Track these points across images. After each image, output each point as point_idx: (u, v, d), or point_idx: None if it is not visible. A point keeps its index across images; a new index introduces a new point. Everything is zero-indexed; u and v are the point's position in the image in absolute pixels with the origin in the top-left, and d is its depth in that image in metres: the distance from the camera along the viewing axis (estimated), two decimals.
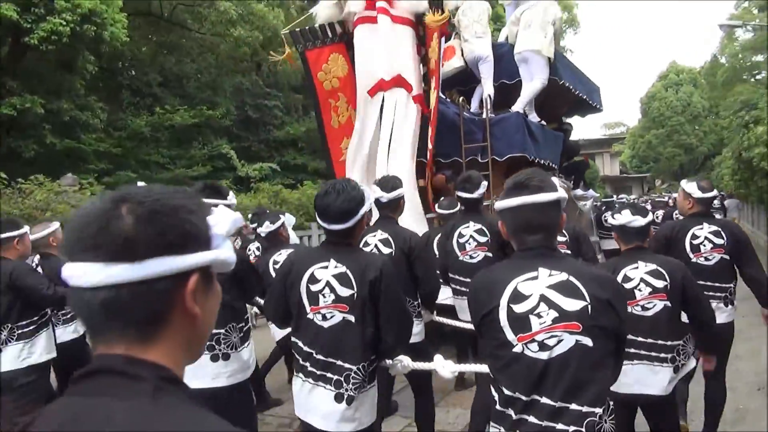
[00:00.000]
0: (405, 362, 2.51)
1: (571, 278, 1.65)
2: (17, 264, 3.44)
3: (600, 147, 44.40)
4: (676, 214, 7.45)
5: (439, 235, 4.32)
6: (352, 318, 2.28)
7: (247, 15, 16.77)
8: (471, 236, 3.90)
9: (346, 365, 2.26)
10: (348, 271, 2.30)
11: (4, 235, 3.44)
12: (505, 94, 6.71)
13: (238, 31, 16.42)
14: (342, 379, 2.24)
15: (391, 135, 5.44)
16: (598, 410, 1.60)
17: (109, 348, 0.76)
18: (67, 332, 4.03)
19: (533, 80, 6.49)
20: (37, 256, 3.98)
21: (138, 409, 0.70)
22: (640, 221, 2.71)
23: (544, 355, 1.61)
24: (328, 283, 2.30)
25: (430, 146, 5.53)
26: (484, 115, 6.29)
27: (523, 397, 1.63)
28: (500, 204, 1.80)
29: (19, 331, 3.35)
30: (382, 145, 5.44)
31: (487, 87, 6.64)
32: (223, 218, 0.83)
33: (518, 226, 1.76)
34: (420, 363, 2.56)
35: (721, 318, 3.28)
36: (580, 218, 7.42)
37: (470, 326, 3.22)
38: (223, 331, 2.67)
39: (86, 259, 0.73)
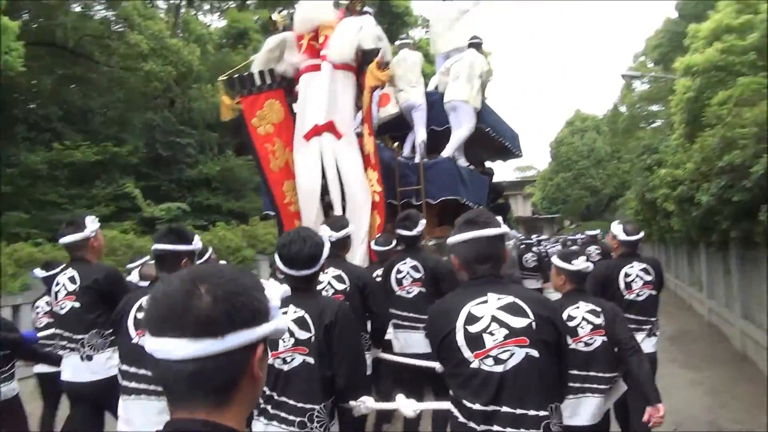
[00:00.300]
0: (368, 403, 2.52)
1: (517, 300, 1.90)
2: None
3: (513, 189, 46.14)
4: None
5: (380, 271, 4.42)
6: (311, 360, 2.34)
7: (159, 49, 16.16)
8: (407, 272, 4.12)
9: (308, 405, 2.30)
10: (306, 315, 2.37)
11: None
12: (435, 139, 7.09)
13: (150, 66, 15.75)
14: (306, 419, 2.28)
15: (337, 177, 5.63)
16: (550, 413, 1.84)
17: (191, 413, 0.87)
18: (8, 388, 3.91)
19: (461, 128, 6.83)
20: None
21: None
22: (590, 267, 3.06)
23: (499, 368, 1.82)
24: (287, 329, 2.34)
25: (377, 188, 5.73)
26: (417, 160, 6.65)
27: (485, 408, 1.82)
28: (453, 239, 2.03)
29: None
30: (332, 188, 5.63)
31: (420, 133, 6.96)
32: (275, 292, 0.97)
33: (469, 258, 1.99)
34: (382, 403, 2.56)
35: (648, 348, 3.71)
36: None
37: (410, 361, 3.57)
38: None
39: (173, 336, 0.84)
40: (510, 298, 1.90)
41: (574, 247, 3.98)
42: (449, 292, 2.30)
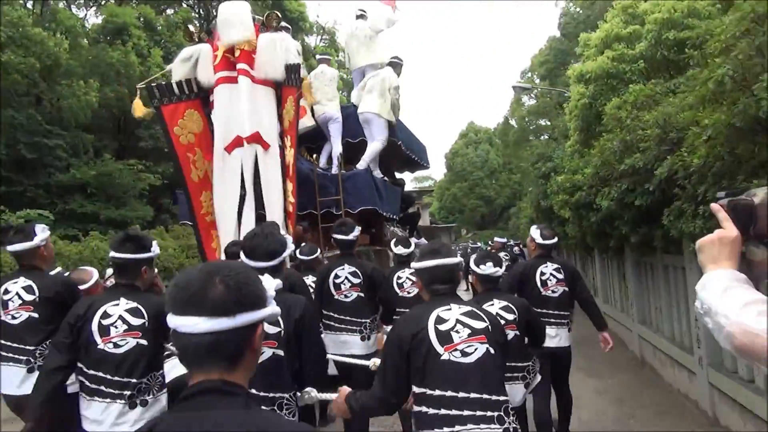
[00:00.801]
0: (312, 393, 2.66)
1: (474, 309, 2.38)
2: None
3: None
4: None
5: (312, 278, 4.67)
6: (281, 353, 2.55)
7: (19, 38, 14.30)
8: (346, 277, 4.39)
9: (278, 395, 2.53)
10: (138, 305, 2.74)
11: None
12: (349, 151, 7.46)
13: (8, 56, 13.88)
14: (276, 407, 2.49)
15: (256, 190, 5.70)
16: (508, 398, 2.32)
17: (208, 375, 1.17)
18: None
19: (375, 141, 7.26)
20: None
21: (238, 415, 1.12)
22: (499, 271, 3.54)
23: (466, 360, 2.21)
24: (120, 317, 2.71)
25: (292, 199, 5.87)
26: (334, 171, 7.01)
27: (455, 394, 2.17)
28: (419, 264, 2.48)
29: None
30: (248, 200, 5.66)
31: (336, 145, 7.40)
32: (270, 284, 1.35)
33: (433, 280, 2.43)
34: (326, 394, 2.70)
35: (564, 342, 4.43)
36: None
37: (350, 360, 3.93)
38: (144, 380, 2.77)
39: (195, 315, 1.13)
40: (468, 307, 2.36)
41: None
42: (385, 299, 3.77)
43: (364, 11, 7.98)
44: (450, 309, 2.32)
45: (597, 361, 7.70)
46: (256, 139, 5.71)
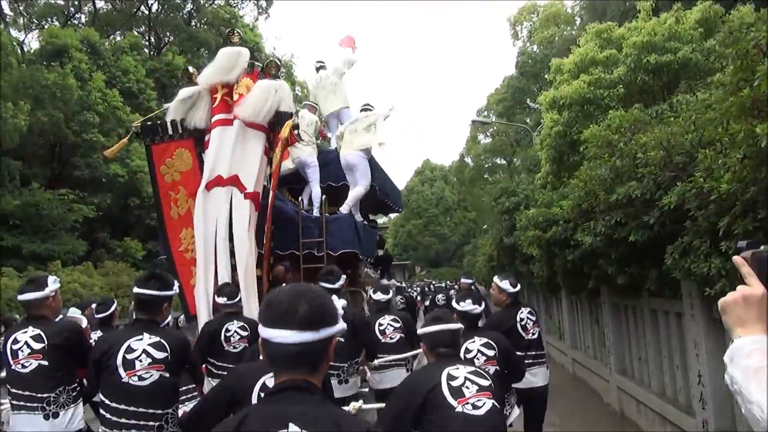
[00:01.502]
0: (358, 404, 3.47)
1: (478, 369, 2.72)
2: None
3: None
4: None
5: None
6: (166, 375, 3.01)
7: None
8: None
9: (155, 411, 2.96)
10: (161, 339, 3.07)
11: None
12: (331, 194, 7.58)
13: None
14: None
15: (227, 228, 5.81)
16: None
17: (293, 376, 1.41)
18: None
19: (358, 185, 7.42)
20: None
21: (317, 409, 1.38)
22: (478, 309, 3.79)
23: (477, 412, 2.46)
24: (144, 351, 3.04)
25: (266, 243, 6.07)
26: (315, 213, 7.29)
27: None
28: (423, 330, 2.79)
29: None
30: (219, 237, 5.79)
31: (314, 189, 7.59)
32: (339, 304, 1.65)
33: (436, 343, 2.72)
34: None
35: (543, 380, 4.59)
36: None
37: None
38: (170, 410, 3.02)
39: (284, 328, 1.38)
40: (473, 367, 2.68)
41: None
42: (367, 343, 4.75)
43: (323, 62, 8.47)
44: (458, 368, 2.57)
45: (570, 415, 6.94)
46: (234, 181, 5.87)
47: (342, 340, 4.08)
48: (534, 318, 4.63)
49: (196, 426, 2.61)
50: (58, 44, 19.70)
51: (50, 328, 3.48)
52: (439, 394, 2.46)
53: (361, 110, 7.86)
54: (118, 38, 25.60)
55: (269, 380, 2.56)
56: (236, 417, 1.41)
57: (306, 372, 1.41)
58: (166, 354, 2.95)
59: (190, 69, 6.68)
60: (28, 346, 3.39)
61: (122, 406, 2.87)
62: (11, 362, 3.40)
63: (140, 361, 2.90)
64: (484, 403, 2.47)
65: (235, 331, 4.63)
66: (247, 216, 5.84)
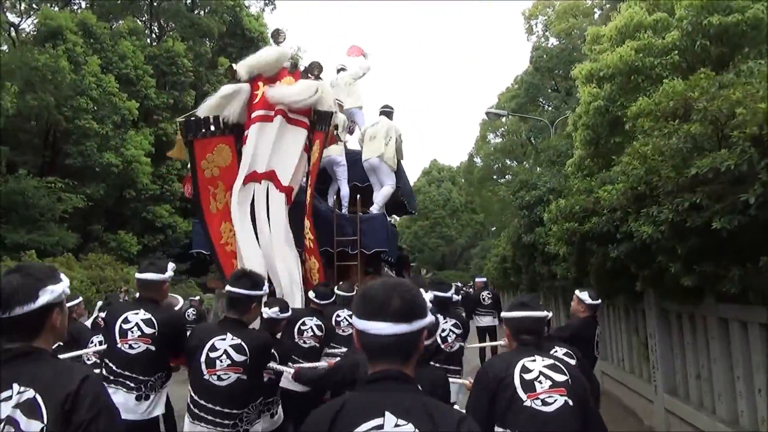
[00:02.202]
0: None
1: (556, 362, 2.48)
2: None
3: None
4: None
5: (344, 312, 5.12)
6: (244, 377, 3.12)
7: None
8: (345, 317, 5.07)
9: (236, 411, 3.11)
10: (242, 342, 3.11)
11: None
12: (357, 194, 7.58)
13: None
14: None
15: (266, 222, 5.95)
16: None
17: (389, 366, 1.48)
18: None
19: (385, 186, 7.53)
20: None
21: (413, 398, 1.44)
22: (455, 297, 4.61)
23: (547, 408, 2.32)
24: (225, 351, 3.11)
25: (311, 236, 6.25)
26: (344, 211, 7.51)
27: None
28: (508, 314, 2.67)
29: None
30: (259, 231, 5.94)
31: (342, 187, 7.72)
32: (427, 297, 1.85)
33: (519, 330, 2.60)
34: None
35: None
36: None
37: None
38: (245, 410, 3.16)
39: (381, 321, 1.44)
40: (551, 360, 2.47)
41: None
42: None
43: (345, 66, 8.68)
44: (534, 360, 2.43)
45: None
46: (270, 176, 6.01)
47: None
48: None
49: None
50: (52, 26, 18.79)
51: (160, 314, 3.52)
52: (510, 385, 2.37)
53: (380, 113, 7.99)
54: (118, 24, 24.72)
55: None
56: (334, 404, 1.48)
57: (400, 362, 1.49)
58: (245, 357, 3.03)
59: (234, 66, 6.60)
60: (139, 328, 3.41)
61: (202, 401, 3.05)
62: (118, 340, 3.41)
63: (221, 361, 3.00)
64: (555, 400, 2.33)
65: (311, 327, 4.72)
66: (284, 210, 6.02)
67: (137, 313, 3.43)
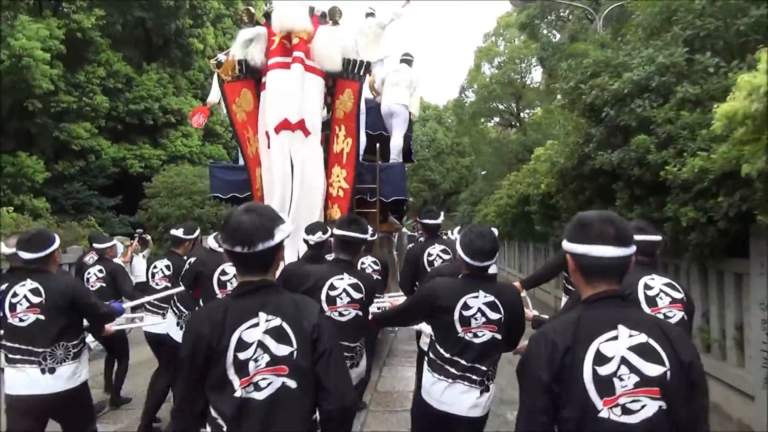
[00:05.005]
0: None
1: (649, 341, 1.66)
2: (73, 281, 3.82)
3: None
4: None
5: (408, 255, 5.30)
6: (499, 336, 2.74)
7: None
8: (438, 254, 4.89)
9: (483, 368, 2.74)
10: (496, 300, 2.76)
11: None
12: (369, 142, 7.58)
13: None
14: (484, 378, 2.74)
15: (293, 170, 5.95)
16: None
17: (609, 286, 1.69)
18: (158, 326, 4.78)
19: (396, 132, 7.67)
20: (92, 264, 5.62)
21: (637, 312, 1.81)
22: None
23: (630, 420, 1.56)
24: (480, 310, 2.73)
25: (345, 185, 6.37)
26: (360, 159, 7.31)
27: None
28: (579, 249, 1.95)
29: (74, 350, 3.29)
30: (295, 179, 5.97)
31: (360, 135, 7.34)
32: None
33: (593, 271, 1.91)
34: None
35: None
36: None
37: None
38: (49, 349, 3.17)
39: (602, 244, 1.63)
40: (643, 336, 1.63)
41: None
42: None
43: (373, 10, 8.18)
44: (616, 338, 1.61)
45: None
46: (301, 125, 5.99)
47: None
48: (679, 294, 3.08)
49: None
50: None
51: (50, 284, 3.26)
52: (578, 381, 1.62)
53: (401, 60, 8.13)
54: None
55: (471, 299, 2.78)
56: (568, 320, 1.68)
57: (615, 283, 1.66)
58: (361, 295, 3.21)
59: (251, 9, 6.72)
60: (27, 299, 3.22)
61: None
62: (8, 315, 3.23)
63: (341, 299, 3.16)
64: (643, 406, 1.56)
65: (437, 255, 4.83)
66: (315, 157, 6.09)
67: (24, 285, 3.21)
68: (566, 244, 1.71)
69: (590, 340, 1.58)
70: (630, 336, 1.57)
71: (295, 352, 1.83)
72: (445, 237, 11.60)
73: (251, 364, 1.79)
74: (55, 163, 17.29)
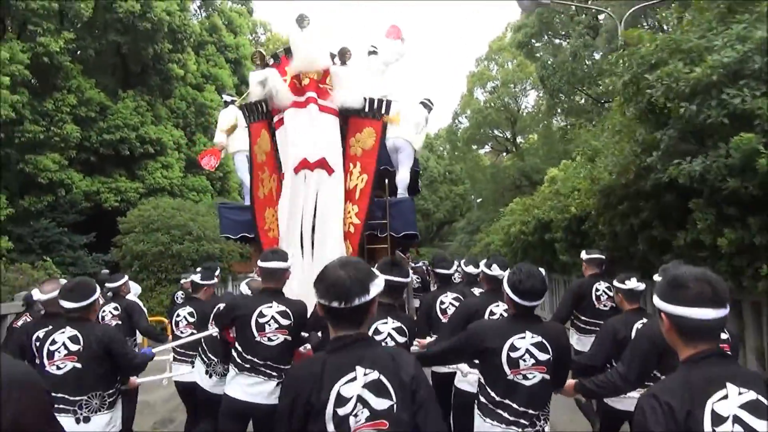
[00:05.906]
0: None
1: (759, 397, 1.65)
2: (110, 329, 3.64)
3: None
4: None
5: (421, 302, 5.46)
6: (548, 377, 2.72)
7: None
8: (450, 303, 4.87)
9: (536, 411, 2.70)
10: (544, 340, 2.73)
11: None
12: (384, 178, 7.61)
13: None
14: (536, 420, 2.71)
15: (316, 211, 5.97)
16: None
17: (708, 345, 1.68)
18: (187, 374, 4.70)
19: (402, 167, 7.49)
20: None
21: (746, 371, 1.75)
22: (641, 286, 3.71)
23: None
24: (528, 351, 2.70)
25: (356, 221, 6.24)
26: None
27: None
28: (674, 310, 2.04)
29: (109, 400, 3.32)
30: (316, 220, 5.99)
31: (403, 172, 7.67)
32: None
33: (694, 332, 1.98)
34: None
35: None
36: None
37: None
38: (85, 397, 3.19)
39: (702, 307, 1.62)
40: (753, 394, 1.71)
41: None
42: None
43: (376, 48, 7.97)
44: (727, 396, 1.61)
45: None
46: (322, 164, 6.02)
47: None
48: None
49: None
50: None
51: (88, 331, 3.32)
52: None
53: (420, 102, 7.98)
54: None
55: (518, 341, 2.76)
56: (673, 382, 1.66)
57: (717, 342, 1.68)
58: (405, 339, 3.22)
59: (262, 51, 7.02)
60: (65, 347, 3.26)
61: (249, 357, 3.67)
62: (46, 363, 3.27)
63: (386, 343, 3.13)
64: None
65: (450, 303, 4.73)
66: (338, 195, 6.07)
67: (63, 333, 3.26)
68: (661, 304, 1.72)
69: (704, 400, 1.58)
70: (740, 394, 1.58)
71: (395, 406, 1.87)
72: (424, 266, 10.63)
73: (351, 420, 1.83)
74: (21, 199, 15.79)
